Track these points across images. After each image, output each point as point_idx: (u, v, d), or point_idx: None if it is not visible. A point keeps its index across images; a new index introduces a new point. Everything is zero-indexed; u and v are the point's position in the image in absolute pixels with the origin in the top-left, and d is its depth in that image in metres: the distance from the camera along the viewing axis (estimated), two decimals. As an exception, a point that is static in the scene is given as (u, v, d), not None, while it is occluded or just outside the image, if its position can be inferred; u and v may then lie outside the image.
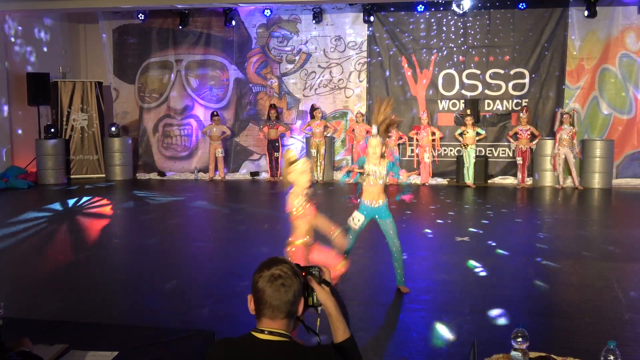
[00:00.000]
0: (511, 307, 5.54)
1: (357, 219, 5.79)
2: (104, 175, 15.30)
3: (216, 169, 15.05)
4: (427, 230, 9.15)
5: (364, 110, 14.76)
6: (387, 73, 14.81)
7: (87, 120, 15.30)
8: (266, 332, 2.25)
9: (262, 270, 2.29)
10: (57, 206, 11.28)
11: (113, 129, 15.21)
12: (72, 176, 15.09)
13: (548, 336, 4.70)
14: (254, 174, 15.36)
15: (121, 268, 7.23)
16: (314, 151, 14.26)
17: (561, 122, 13.23)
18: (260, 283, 2.26)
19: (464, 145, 13.60)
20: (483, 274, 6.60)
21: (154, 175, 15.77)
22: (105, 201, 11.93)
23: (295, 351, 2.24)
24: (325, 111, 14.98)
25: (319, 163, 14.32)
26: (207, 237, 9.01)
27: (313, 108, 14.42)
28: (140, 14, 15.36)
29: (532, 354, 2.96)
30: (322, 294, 2.40)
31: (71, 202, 11.69)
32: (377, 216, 5.82)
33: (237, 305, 5.51)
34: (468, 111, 13.90)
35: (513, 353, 2.76)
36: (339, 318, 2.41)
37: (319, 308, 2.43)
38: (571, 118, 13.22)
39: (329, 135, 14.65)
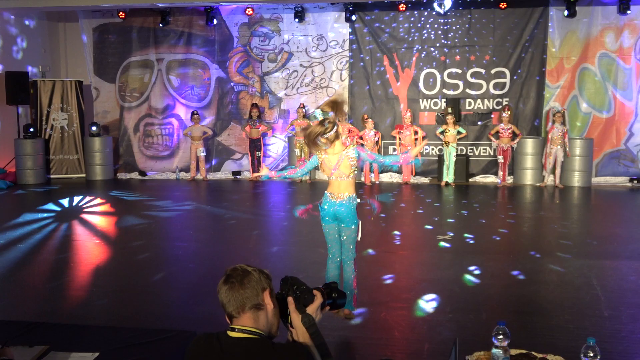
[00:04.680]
0: (492, 305, 5.58)
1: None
2: (84, 175, 15.18)
3: (198, 168, 14.99)
4: (409, 229, 9.18)
5: (346, 109, 14.77)
6: (369, 72, 14.84)
7: (67, 120, 15.17)
8: (237, 330, 2.32)
9: (222, 277, 2.41)
10: (38, 206, 11.17)
11: (94, 128, 15.09)
12: (52, 176, 14.95)
13: (528, 333, 4.73)
14: (236, 173, 15.32)
15: (102, 269, 7.18)
16: (297, 150, 14.25)
17: (553, 122, 13.32)
18: (218, 287, 2.39)
19: (446, 144, 13.67)
20: (464, 272, 6.63)
21: (135, 175, 15.67)
22: (86, 201, 11.84)
23: (263, 347, 2.27)
24: (308, 111, 14.95)
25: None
26: (189, 237, 8.97)
27: (300, 106, 14.45)
28: (121, 13, 15.26)
29: (513, 351, 2.98)
30: (294, 320, 2.39)
31: (53, 202, 11.59)
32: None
33: (218, 305, 5.48)
34: (449, 110, 13.98)
35: (494, 350, 2.78)
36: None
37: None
38: (563, 117, 13.32)
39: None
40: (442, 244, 8.02)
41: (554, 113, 13.44)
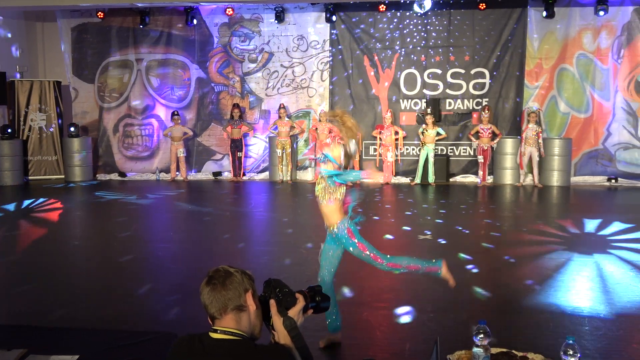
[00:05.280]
0: (473, 304, 5.61)
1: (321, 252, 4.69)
2: (63, 176, 15.03)
3: (178, 169, 14.92)
4: (389, 229, 9.19)
5: (327, 109, 14.78)
6: (350, 72, 14.86)
7: (46, 121, 15.02)
8: (219, 332, 2.31)
9: (204, 278, 2.40)
10: (14, 207, 11.04)
11: (72, 129, 14.95)
12: (30, 177, 14.80)
13: (509, 332, 4.76)
14: (217, 173, 15.27)
15: (82, 270, 7.12)
16: (279, 151, 14.24)
17: (527, 121, 13.44)
18: (201, 288, 2.38)
19: (422, 143, 13.75)
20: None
21: (114, 176, 15.56)
22: (64, 203, 11.73)
23: (245, 349, 2.26)
24: (288, 110, 14.91)
25: (285, 163, 14.32)
26: (170, 238, 8.92)
27: (280, 107, 14.43)
28: (100, 12, 15.13)
29: (494, 350, 3.00)
30: (276, 323, 2.39)
31: (29, 203, 11.46)
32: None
33: (200, 307, 5.45)
34: (429, 110, 14.06)
35: (475, 349, 2.79)
36: None
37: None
38: (537, 117, 13.45)
39: (293, 134, 14.64)
40: (422, 243, 8.04)
41: (528, 113, 13.57)
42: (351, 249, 4.49)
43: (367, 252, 4.48)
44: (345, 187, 4.50)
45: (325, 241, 4.65)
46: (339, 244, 4.56)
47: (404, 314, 5.31)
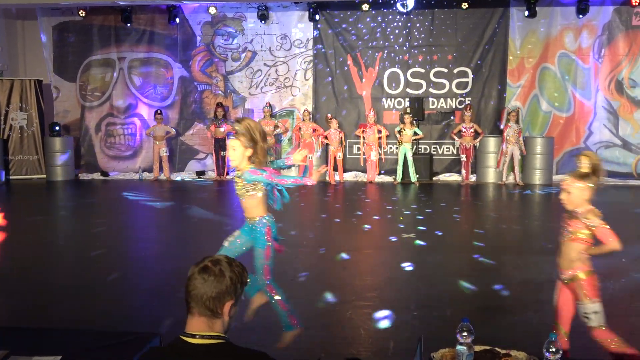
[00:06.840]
0: (456, 302, 5.63)
1: (231, 235, 4.64)
2: (44, 175, 14.90)
3: (161, 168, 14.85)
4: (373, 228, 9.20)
5: (310, 108, 14.78)
6: (333, 71, 14.86)
7: (27, 120, 14.88)
8: (198, 337, 2.22)
9: (200, 261, 2.32)
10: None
11: (56, 128, 14.83)
12: (11, 177, 14.65)
13: (492, 330, 4.78)
14: (200, 173, 15.21)
15: (63, 270, 7.05)
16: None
17: (508, 120, 13.53)
18: (191, 272, 2.29)
19: (399, 143, 13.79)
20: (428, 270, 6.67)
21: (96, 176, 15.45)
22: (47, 203, 11.63)
23: (232, 353, 2.21)
24: (273, 109, 14.88)
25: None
26: (153, 238, 8.87)
27: (266, 105, 14.40)
28: (81, 11, 15.01)
29: (477, 348, 3.00)
30: None
31: (9, 203, 11.36)
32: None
33: (183, 306, 5.42)
34: (407, 110, 14.13)
35: (459, 347, 2.80)
36: None
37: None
38: (517, 116, 13.55)
39: (277, 134, 14.63)
40: (406, 242, 8.06)
41: (508, 112, 13.68)
42: (259, 248, 4.37)
43: (266, 262, 4.35)
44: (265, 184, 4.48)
45: (241, 228, 4.58)
46: (252, 238, 4.47)
47: (388, 313, 5.32)
